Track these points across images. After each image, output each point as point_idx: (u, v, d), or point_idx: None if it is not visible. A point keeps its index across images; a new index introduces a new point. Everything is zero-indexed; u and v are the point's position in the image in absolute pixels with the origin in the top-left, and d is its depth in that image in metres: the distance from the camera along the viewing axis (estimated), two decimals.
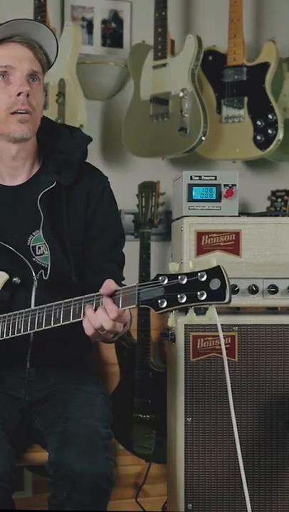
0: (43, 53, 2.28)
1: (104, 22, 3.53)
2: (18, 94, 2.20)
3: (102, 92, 3.47)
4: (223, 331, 2.30)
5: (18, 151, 2.28)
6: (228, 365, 2.33)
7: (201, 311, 2.07)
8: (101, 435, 2.08)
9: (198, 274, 1.77)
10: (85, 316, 1.95)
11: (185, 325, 2.55)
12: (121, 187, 3.40)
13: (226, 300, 1.74)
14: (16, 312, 2.12)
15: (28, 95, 2.21)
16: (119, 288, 1.93)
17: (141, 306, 1.86)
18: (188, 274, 1.79)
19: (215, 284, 1.75)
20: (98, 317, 1.93)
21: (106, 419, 2.18)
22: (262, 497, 2.56)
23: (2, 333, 2.14)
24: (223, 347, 2.29)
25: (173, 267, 1.84)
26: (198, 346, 2.55)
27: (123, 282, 2.37)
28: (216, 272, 1.76)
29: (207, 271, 1.77)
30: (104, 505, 2.08)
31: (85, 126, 3.16)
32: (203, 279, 1.76)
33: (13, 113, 2.21)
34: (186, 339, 2.55)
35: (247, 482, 2.32)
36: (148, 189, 3.32)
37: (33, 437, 2.31)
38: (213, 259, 1.79)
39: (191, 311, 1.87)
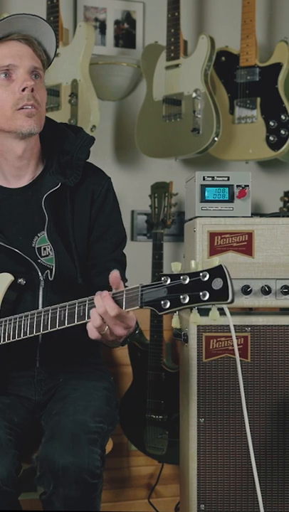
0: (42, 50, 2.28)
1: (117, 23, 3.53)
2: (23, 90, 2.20)
3: (114, 93, 3.47)
4: (235, 332, 2.30)
5: (24, 150, 2.28)
6: (241, 365, 2.33)
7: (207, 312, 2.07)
8: (88, 429, 2.07)
9: (200, 274, 1.74)
10: (89, 318, 1.95)
11: (197, 325, 2.55)
12: (133, 187, 3.43)
13: (229, 300, 1.71)
14: (22, 314, 2.12)
15: (32, 90, 2.21)
16: (122, 288, 1.91)
17: (144, 307, 1.84)
18: (190, 274, 1.76)
19: (217, 283, 1.72)
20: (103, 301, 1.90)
21: (102, 415, 2.16)
22: (274, 498, 2.55)
23: (9, 335, 2.15)
24: (236, 348, 2.29)
25: (175, 267, 1.81)
26: (211, 347, 2.55)
27: (126, 284, 2.38)
28: (218, 272, 1.72)
29: (209, 270, 1.74)
30: (94, 499, 2.07)
31: (97, 126, 3.17)
32: (206, 278, 1.73)
33: (19, 109, 2.21)
34: (199, 340, 2.55)
35: (259, 483, 2.32)
36: (161, 190, 3.32)
37: (40, 437, 2.31)
38: (217, 258, 1.76)
39: (194, 311, 1.85)
